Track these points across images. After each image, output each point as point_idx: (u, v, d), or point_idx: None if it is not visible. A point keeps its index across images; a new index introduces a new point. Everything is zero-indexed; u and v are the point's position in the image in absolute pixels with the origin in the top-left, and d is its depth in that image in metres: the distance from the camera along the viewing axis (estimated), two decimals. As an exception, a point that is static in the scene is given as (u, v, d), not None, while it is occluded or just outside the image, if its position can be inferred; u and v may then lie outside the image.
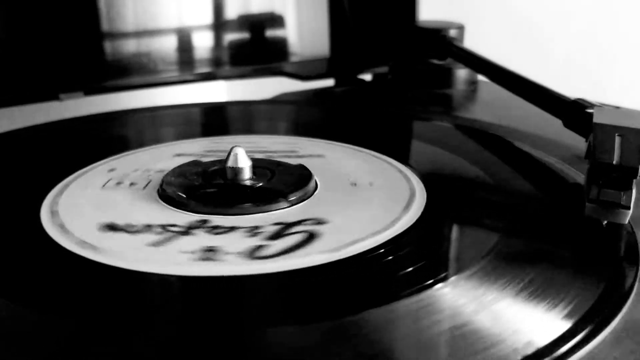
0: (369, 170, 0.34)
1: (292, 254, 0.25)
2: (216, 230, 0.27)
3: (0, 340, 0.20)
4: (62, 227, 0.27)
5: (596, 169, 0.28)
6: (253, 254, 0.25)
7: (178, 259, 0.25)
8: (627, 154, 0.27)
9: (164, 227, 0.27)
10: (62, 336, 0.21)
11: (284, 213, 0.29)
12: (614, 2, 0.76)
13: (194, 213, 0.28)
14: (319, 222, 0.28)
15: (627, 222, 0.28)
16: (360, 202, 0.30)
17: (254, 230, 0.27)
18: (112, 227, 0.27)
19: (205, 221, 0.28)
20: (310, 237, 0.26)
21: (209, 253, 0.25)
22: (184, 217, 0.28)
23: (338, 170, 0.34)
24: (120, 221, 0.28)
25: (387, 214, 0.28)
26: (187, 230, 0.27)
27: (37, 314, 0.22)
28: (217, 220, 0.28)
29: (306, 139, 0.39)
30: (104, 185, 0.32)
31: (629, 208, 0.27)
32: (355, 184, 0.32)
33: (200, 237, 0.26)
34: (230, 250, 0.25)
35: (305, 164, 0.33)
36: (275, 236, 0.26)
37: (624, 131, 0.28)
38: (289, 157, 0.35)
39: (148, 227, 0.27)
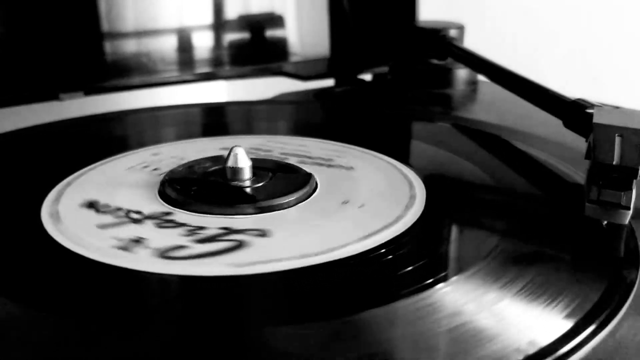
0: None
1: (200, 260, 0.24)
2: (165, 224, 0.27)
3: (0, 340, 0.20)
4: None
5: (596, 169, 0.28)
6: (166, 253, 0.25)
7: (101, 244, 0.25)
8: (627, 155, 0.27)
9: (127, 212, 0.28)
10: (56, 335, 0.21)
11: (248, 219, 0.28)
12: (615, 2, 0.76)
13: (170, 205, 0.29)
14: (263, 234, 0.27)
15: (627, 222, 0.28)
16: (342, 218, 0.29)
17: (195, 231, 0.27)
18: (90, 205, 0.29)
19: (167, 213, 0.28)
20: (237, 246, 0.25)
21: (132, 244, 0.25)
22: (155, 207, 0.29)
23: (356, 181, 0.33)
24: (102, 200, 0.29)
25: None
26: (143, 219, 0.28)
27: (34, 314, 0.22)
28: (179, 215, 0.28)
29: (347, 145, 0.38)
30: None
31: (629, 208, 0.27)
32: (347, 202, 0.30)
33: (143, 228, 0.27)
34: (152, 245, 0.25)
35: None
36: (205, 240, 0.26)
37: (623, 131, 0.28)
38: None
39: (117, 210, 0.28)
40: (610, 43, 0.77)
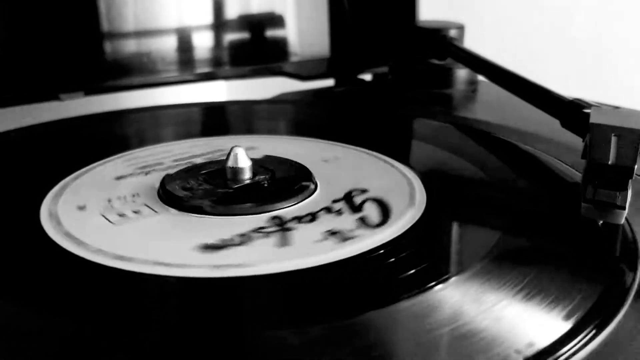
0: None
1: (392, 219, 0.27)
2: (302, 219, 0.28)
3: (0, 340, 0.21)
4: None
5: (592, 169, 0.28)
6: (368, 225, 0.27)
7: (321, 248, 0.25)
8: (623, 154, 0.27)
9: (258, 230, 0.27)
10: (60, 337, 0.21)
11: (316, 198, 0.30)
12: (616, 3, 0.76)
13: (237, 216, 0.28)
14: (363, 190, 0.31)
15: (622, 222, 0.28)
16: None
17: (330, 212, 0.28)
18: (210, 247, 0.25)
19: (278, 217, 0.28)
20: (381, 202, 0.29)
21: (337, 235, 0.26)
22: (253, 219, 0.28)
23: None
24: (209, 240, 0.26)
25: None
26: (284, 227, 0.27)
27: (36, 315, 0.22)
28: (284, 213, 0.28)
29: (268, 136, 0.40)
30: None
31: (624, 208, 0.27)
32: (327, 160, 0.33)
33: (303, 228, 0.27)
34: (343, 228, 0.26)
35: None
36: (354, 209, 0.28)
37: (620, 131, 0.28)
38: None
39: (243, 236, 0.26)
40: (611, 43, 0.77)
